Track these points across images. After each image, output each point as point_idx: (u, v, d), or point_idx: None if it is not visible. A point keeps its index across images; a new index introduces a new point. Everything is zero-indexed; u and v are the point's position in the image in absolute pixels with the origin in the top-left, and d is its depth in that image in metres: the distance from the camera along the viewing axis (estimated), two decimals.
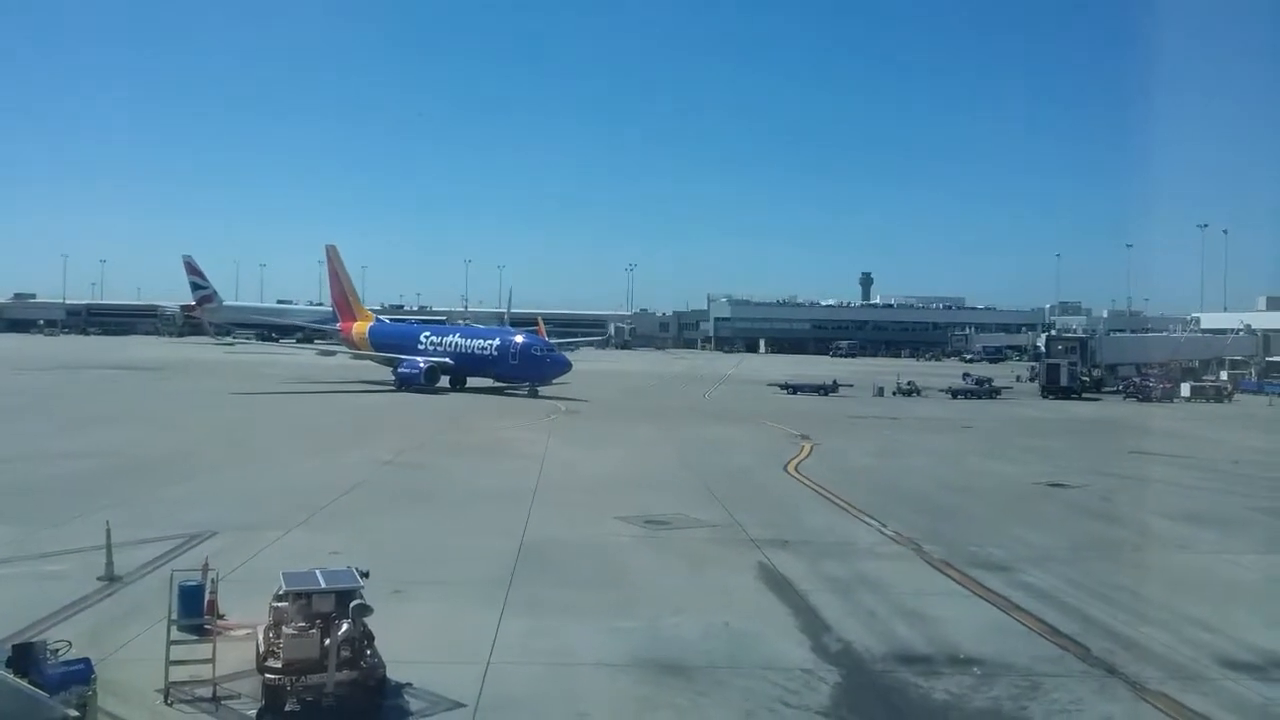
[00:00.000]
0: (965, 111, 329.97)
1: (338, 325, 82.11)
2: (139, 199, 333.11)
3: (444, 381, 65.52)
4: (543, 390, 62.86)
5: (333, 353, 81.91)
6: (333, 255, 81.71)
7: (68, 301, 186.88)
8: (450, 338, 69.85)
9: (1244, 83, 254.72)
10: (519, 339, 65.82)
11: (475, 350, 66.71)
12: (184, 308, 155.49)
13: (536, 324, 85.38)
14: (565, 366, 64.15)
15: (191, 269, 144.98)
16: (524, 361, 63.25)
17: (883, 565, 21.20)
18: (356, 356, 76.63)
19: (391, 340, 74.61)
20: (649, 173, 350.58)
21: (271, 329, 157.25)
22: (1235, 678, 14.82)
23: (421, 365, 64.72)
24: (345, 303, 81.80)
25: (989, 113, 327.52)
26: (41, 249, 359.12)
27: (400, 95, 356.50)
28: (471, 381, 67.35)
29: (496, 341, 66.13)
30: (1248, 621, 17.80)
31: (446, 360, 66.41)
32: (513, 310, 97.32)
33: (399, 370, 66.25)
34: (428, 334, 71.96)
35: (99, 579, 17.87)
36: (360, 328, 78.53)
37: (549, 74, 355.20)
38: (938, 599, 18.75)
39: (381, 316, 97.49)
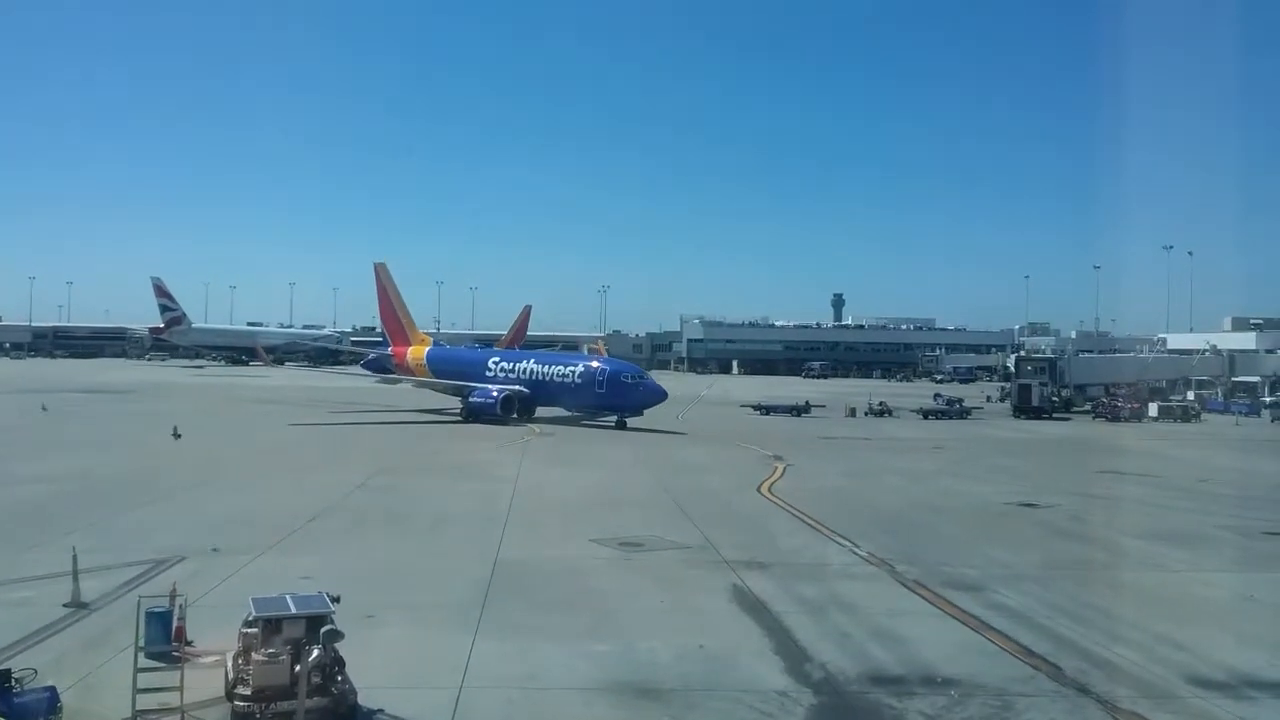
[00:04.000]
0: (935, 134, 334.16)
1: (389, 349, 76.43)
2: (106, 221, 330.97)
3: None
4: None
5: (397, 381, 73.93)
6: (381, 273, 76.05)
7: (34, 324, 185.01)
8: (524, 364, 64.22)
9: (1210, 105, 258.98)
10: (599, 364, 61.52)
11: (554, 378, 61.26)
12: (152, 330, 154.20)
13: (597, 346, 79.27)
14: (660, 395, 58.69)
15: (160, 291, 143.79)
16: (612, 390, 58.04)
17: (856, 586, 21.23)
18: (418, 385, 70.65)
19: (455, 367, 69.52)
20: (621, 195, 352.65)
21: (241, 351, 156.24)
22: (1207, 696, 14.91)
23: (495, 394, 60.03)
24: (397, 325, 76.15)
25: (959, 135, 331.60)
26: (7, 271, 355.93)
27: (370, 114, 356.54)
28: (542, 411, 62.56)
29: (579, 368, 60.98)
30: (1218, 640, 17.94)
31: (521, 389, 61.53)
32: (481, 332, 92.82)
33: (470, 399, 61.56)
34: (496, 359, 66.94)
35: (65, 605, 17.62)
36: (417, 353, 72.99)
37: (520, 96, 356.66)
38: (911, 619, 18.79)
39: (440, 340, 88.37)
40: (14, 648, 15.30)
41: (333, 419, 61.02)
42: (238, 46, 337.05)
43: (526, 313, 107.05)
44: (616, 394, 58.05)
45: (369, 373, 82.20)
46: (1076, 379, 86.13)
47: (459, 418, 61.46)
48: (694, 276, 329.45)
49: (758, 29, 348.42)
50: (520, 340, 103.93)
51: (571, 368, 61.60)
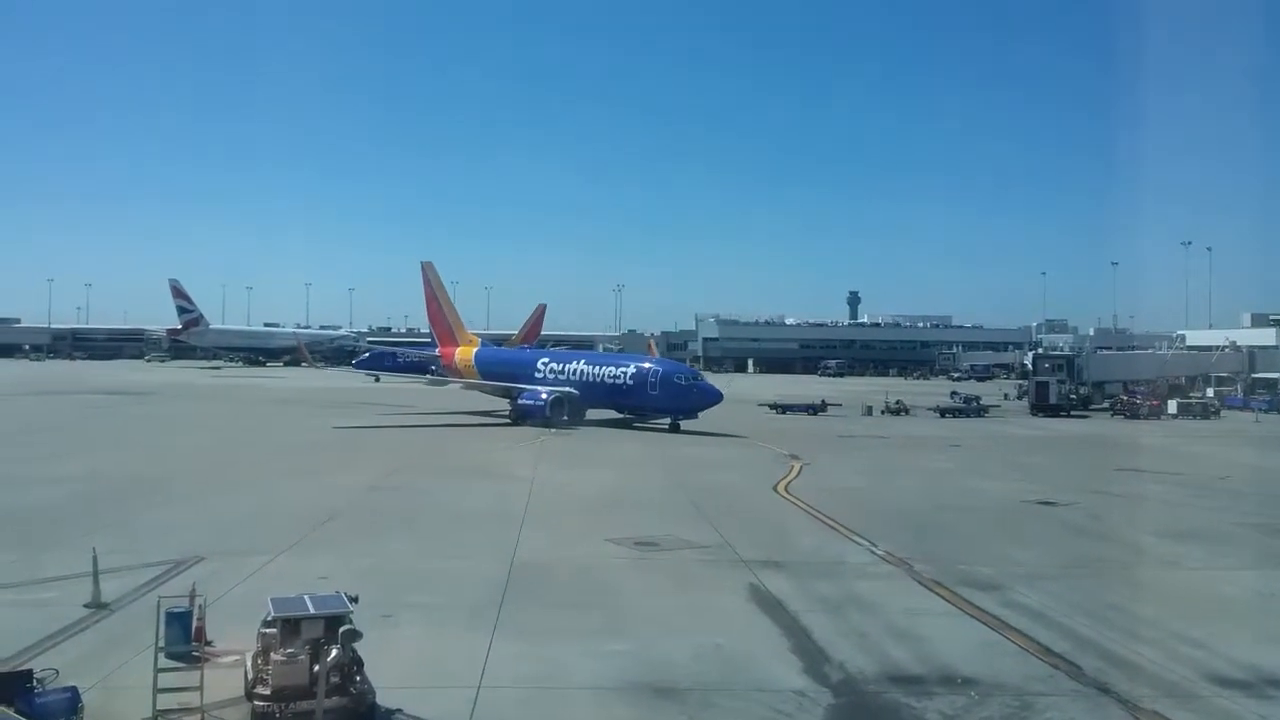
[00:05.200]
0: (952, 130, 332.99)
1: (436, 351, 75.26)
2: (125, 223, 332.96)
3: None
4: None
5: (445, 383, 72.95)
6: (429, 272, 74.88)
7: (53, 326, 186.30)
8: (574, 364, 62.73)
9: (1228, 100, 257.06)
10: (653, 365, 59.54)
11: (605, 379, 59.54)
12: (170, 331, 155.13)
13: (649, 346, 77.12)
14: (715, 397, 56.25)
15: (178, 292, 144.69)
16: (665, 391, 56.09)
17: (874, 585, 21.17)
18: (466, 387, 69.84)
19: (503, 368, 68.23)
20: (636, 194, 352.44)
21: (259, 352, 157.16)
22: (1228, 695, 14.81)
23: (544, 396, 58.13)
24: (444, 326, 74.94)
25: (975, 131, 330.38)
26: (26, 273, 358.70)
27: (384, 114, 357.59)
28: (593, 414, 60.50)
29: (631, 369, 59.08)
30: (1239, 638, 17.81)
31: (571, 390, 59.70)
32: (496, 331, 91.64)
33: (519, 401, 59.94)
34: (545, 360, 65.39)
35: (86, 606, 17.73)
36: (465, 354, 71.70)
37: (534, 92, 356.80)
38: (929, 618, 18.72)
39: (489, 341, 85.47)
40: (36, 648, 15.42)
41: (376, 421, 59.82)
42: (255, 48, 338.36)
43: (540, 311, 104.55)
44: (670, 396, 56.22)
45: (362, 371, 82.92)
46: (1095, 376, 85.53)
47: (508, 420, 60.33)
48: (709, 275, 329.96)
49: (775, 26, 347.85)
50: (533, 339, 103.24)
51: (623, 369, 59.81)
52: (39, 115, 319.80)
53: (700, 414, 56.34)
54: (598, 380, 60.08)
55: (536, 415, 57.73)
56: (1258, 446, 56.36)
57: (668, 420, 57.14)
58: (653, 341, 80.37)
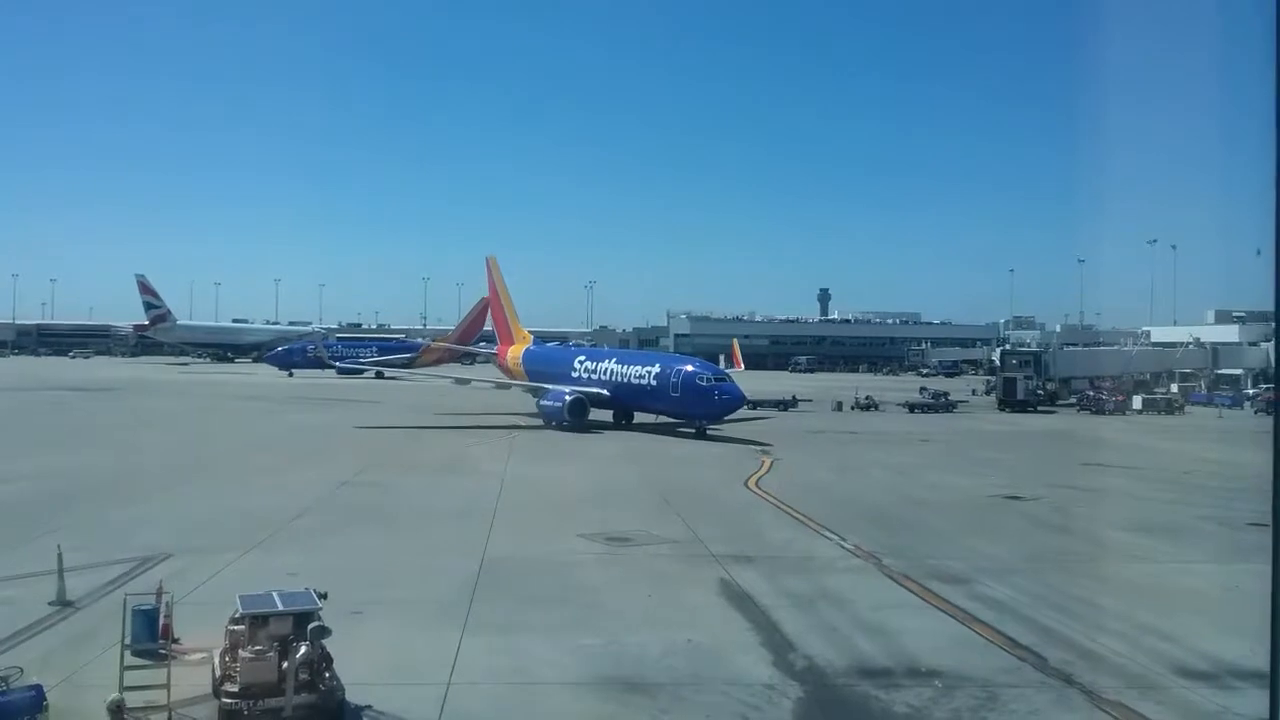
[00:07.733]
0: (919, 129, 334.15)
1: (494, 349, 73.87)
2: (91, 218, 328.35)
3: (604, 416, 56.41)
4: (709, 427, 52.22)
5: (467, 381, 71.58)
6: (492, 268, 72.64)
7: (17, 322, 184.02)
8: (605, 363, 58.85)
9: (1192, 98, 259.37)
10: (677, 364, 55.16)
11: (632, 379, 55.41)
12: (137, 327, 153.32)
13: (732, 350, 72.41)
14: (739, 401, 52.15)
15: (145, 288, 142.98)
16: (686, 393, 51.46)
17: (843, 579, 21.31)
18: (498, 386, 68.13)
19: (545, 366, 65.12)
20: (608, 190, 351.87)
21: (227, 348, 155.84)
22: (1190, 686, 15.02)
23: (567, 396, 54.30)
24: (503, 323, 72.86)
25: (943, 130, 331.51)
26: None
27: (353, 109, 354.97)
28: (639, 417, 57.38)
29: (655, 369, 54.63)
30: (1202, 630, 18.05)
31: (600, 390, 56.37)
32: (433, 328, 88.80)
33: (541, 403, 56.74)
34: (582, 359, 61.86)
35: (50, 604, 17.55)
36: (515, 352, 69.10)
37: (508, 90, 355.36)
38: (897, 612, 18.87)
39: (546, 341, 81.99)
40: None
41: (407, 423, 59.93)
42: (218, 45, 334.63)
43: (482, 306, 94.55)
44: (691, 398, 51.54)
45: (274, 367, 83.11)
46: (1061, 372, 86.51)
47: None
48: (681, 272, 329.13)
49: (746, 25, 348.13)
50: (470, 338, 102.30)
51: (648, 368, 55.30)
52: (3, 110, 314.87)
53: (725, 418, 52.81)
54: (625, 380, 56.30)
55: (556, 418, 54.47)
56: (1221, 442, 57.02)
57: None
58: (736, 343, 73.85)
